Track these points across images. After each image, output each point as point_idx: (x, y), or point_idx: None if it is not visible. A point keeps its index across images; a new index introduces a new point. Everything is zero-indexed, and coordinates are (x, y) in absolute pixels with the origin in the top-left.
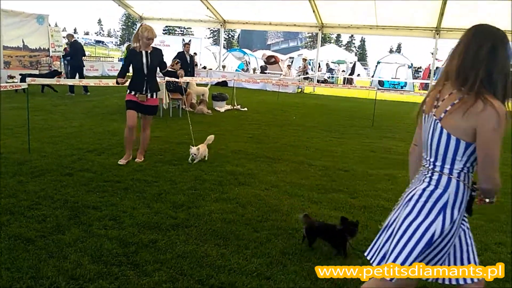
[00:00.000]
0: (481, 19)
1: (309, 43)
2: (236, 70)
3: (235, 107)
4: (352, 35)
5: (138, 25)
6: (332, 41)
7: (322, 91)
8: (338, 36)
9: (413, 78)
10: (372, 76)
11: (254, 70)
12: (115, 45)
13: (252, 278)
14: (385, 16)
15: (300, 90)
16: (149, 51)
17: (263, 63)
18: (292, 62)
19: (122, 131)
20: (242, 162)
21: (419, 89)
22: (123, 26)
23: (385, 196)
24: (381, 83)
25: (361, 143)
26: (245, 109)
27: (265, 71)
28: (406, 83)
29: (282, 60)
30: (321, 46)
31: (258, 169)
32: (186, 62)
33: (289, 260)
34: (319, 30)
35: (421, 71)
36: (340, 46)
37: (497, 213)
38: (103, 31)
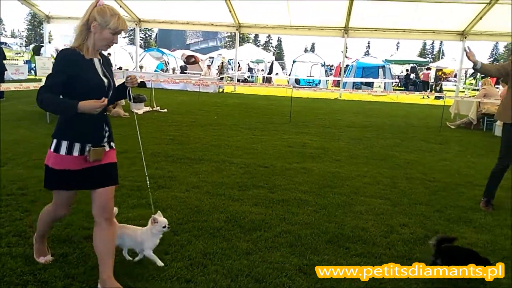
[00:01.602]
0: (385, 19)
1: (228, 43)
2: (155, 71)
3: (154, 109)
4: (269, 35)
5: (89, 5)
6: (251, 41)
7: (243, 90)
8: (256, 36)
9: (326, 76)
10: (289, 75)
11: (174, 70)
12: (20, 46)
13: (172, 283)
14: (298, 16)
15: (221, 89)
16: (100, 59)
17: (182, 63)
18: (212, 62)
19: (30, 138)
20: (162, 165)
21: (331, 86)
22: (28, 26)
23: (302, 188)
24: (297, 81)
25: (280, 139)
26: (165, 110)
27: (185, 71)
28: (320, 80)
29: (202, 60)
30: (239, 46)
31: (179, 171)
32: None
33: (210, 260)
34: (237, 30)
35: (333, 69)
36: (258, 46)
37: (401, 197)
38: (6, 31)
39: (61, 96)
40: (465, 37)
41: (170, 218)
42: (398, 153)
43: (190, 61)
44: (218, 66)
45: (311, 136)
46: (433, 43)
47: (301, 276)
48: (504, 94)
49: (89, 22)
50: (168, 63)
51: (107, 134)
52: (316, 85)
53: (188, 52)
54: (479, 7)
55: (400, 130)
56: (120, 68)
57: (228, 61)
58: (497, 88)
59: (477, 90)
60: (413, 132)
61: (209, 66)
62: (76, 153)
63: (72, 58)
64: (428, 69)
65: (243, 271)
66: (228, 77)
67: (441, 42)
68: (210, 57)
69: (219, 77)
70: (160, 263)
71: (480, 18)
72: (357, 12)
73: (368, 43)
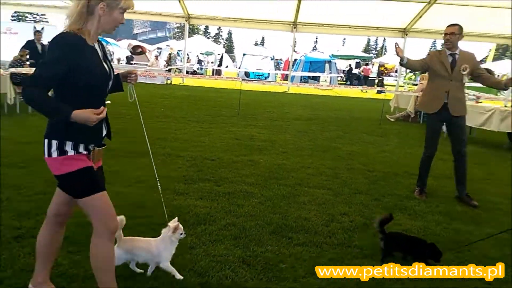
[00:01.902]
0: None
1: (177, 34)
2: None
3: None
4: (219, 27)
5: None
6: (201, 32)
7: (192, 82)
8: (206, 27)
9: (275, 70)
10: (239, 68)
11: (119, 60)
12: None
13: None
14: (248, 9)
15: (169, 81)
16: (100, 45)
17: (128, 53)
18: (160, 53)
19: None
20: (103, 160)
21: (280, 80)
22: None
23: (248, 181)
24: (247, 74)
25: (228, 132)
26: (108, 102)
27: (131, 62)
28: (269, 74)
29: (149, 51)
30: (189, 37)
31: (121, 165)
32: (37, 53)
33: None
34: (186, 20)
35: (282, 63)
36: (208, 38)
37: (342, 187)
38: None
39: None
40: (406, 34)
41: None
42: (341, 145)
43: (136, 51)
44: (167, 57)
45: (259, 128)
46: (376, 39)
47: (244, 268)
48: (420, 88)
49: (91, 4)
50: (113, 53)
51: (105, 133)
52: (266, 78)
53: (135, 42)
54: (419, 6)
55: (344, 123)
56: None
57: (177, 53)
58: None
59: (416, 84)
60: (356, 124)
61: (156, 57)
62: (84, 152)
63: (75, 43)
64: (367, 64)
65: (185, 265)
66: (177, 68)
67: (384, 38)
68: (158, 48)
69: (167, 69)
70: (178, 275)
71: (420, 17)
72: (305, 7)
73: (316, 38)
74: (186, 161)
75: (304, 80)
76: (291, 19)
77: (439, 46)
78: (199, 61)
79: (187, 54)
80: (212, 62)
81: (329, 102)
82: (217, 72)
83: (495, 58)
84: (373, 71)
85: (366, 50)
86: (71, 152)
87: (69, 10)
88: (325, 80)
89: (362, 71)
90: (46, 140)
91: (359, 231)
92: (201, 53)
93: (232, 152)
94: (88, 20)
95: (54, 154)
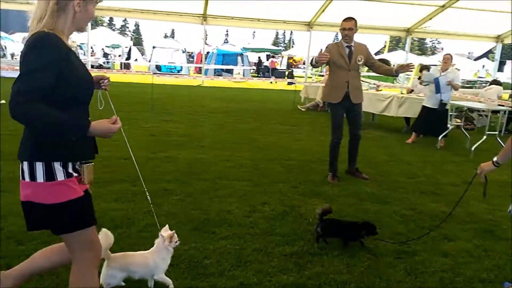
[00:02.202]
0: (241, 8)
1: None
2: None
3: None
4: (125, 19)
5: None
6: (105, 24)
7: None
8: (111, 19)
9: (187, 63)
10: (149, 61)
11: (13, 56)
12: None
13: None
14: (156, 1)
15: None
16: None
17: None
18: None
19: None
20: (2, 165)
21: (194, 73)
22: None
23: (167, 178)
24: (158, 67)
25: (142, 128)
26: (3, 101)
27: None
28: (182, 67)
29: None
30: (92, 29)
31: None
32: None
33: (64, 267)
34: None
35: (194, 56)
36: (114, 30)
37: (261, 178)
38: None
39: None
40: (311, 28)
41: (14, 225)
42: (258, 136)
43: None
44: None
45: (175, 123)
46: (284, 32)
47: (168, 269)
48: (326, 79)
49: (62, 0)
50: (6, 48)
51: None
52: (178, 71)
53: None
54: (322, 1)
55: (259, 114)
56: None
57: (80, 46)
58: None
59: (323, 75)
60: (270, 115)
61: None
62: (74, 173)
63: (62, 46)
64: (273, 57)
65: None
66: None
67: (291, 31)
68: None
69: None
70: (172, 284)
71: (323, 11)
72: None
73: (227, 31)
74: (98, 161)
75: (217, 73)
76: (200, 11)
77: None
78: (105, 55)
79: (91, 48)
80: (119, 56)
81: (243, 95)
82: (126, 66)
83: (390, 49)
84: (280, 64)
85: (275, 43)
86: (60, 176)
87: (36, 9)
88: (239, 73)
89: (270, 64)
90: (26, 163)
91: (280, 219)
92: (106, 46)
93: (148, 149)
94: (60, 19)
95: (40, 178)
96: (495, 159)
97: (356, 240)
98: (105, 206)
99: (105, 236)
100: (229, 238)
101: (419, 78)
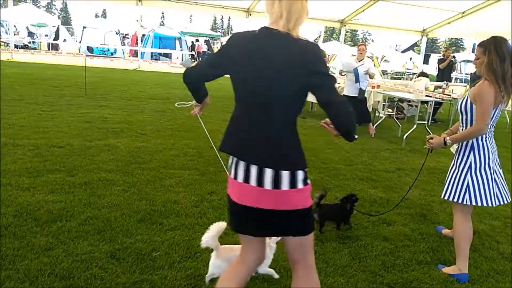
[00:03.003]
0: None
1: None
2: None
3: None
4: None
5: None
6: (28, 1)
7: (23, 58)
8: None
9: (122, 45)
10: (80, 42)
11: None
12: None
13: None
14: None
15: None
16: None
17: None
18: None
19: None
20: None
21: (129, 56)
22: None
23: (107, 168)
24: (90, 49)
25: (75, 114)
26: None
27: None
28: (116, 50)
29: None
30: (14, 5)
31: None
32: None
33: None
34: None
35: (128, 38)
36: (39, 7)
37: (207, 166)
38: None
39: None
40: (250, 14)
41: None
42: (202, 123)
43: None
44: None
45: (112, 109)
46: (222, 18)
47: (114, 263)
48: None
49: None
50: None
51: None
52: (112, 54)
53: None
54: None
55: None
56: None
57: (0, 23)
58: None
59: None
60: (214, 103)
61: None
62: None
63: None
64: (197, 40)
65: (44, 270)
66: (2, 42)
67: (229, 17)
68: None
69: None
70: (276, 274)
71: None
72: None
73: (162, 13)
74: (28, 150)
75: (155, 57)
76: None
77: None
78: (30, 34)
79: (14, 26)
80: (46, 35)
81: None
82: (54, 47)
83: (325, 40)
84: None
85: (213, 28)
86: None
87: (295, 10)
88: (177, 58)
89: (196, 48)
90: (288, 172)
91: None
92: (31, 25)
93: (84, 137)
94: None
95: (300, 185)
96: (447, 138)
97: (347, 220)
98: (40, 198)
99: (217, 225)
100: (178, 229)
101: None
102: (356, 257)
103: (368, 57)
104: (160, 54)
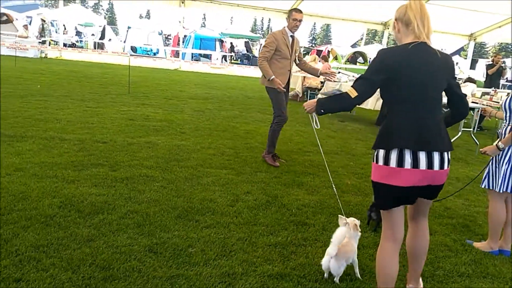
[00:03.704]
0: None
1: (49, 2)
2: None
3: None
4: None
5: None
6: (77, 1)
7: (71, 56)
8: None
9: (164, 46)
10: (124, 42)
11: None
12: None
13: None
14: None
15: (43, 55)
16: None
17: None
18: (30, 22)
19: None
20: None
21: (171, 56)
22: None
23: (147, 164)
24: (134, 49)
25: (119, 112)
26: None
27: None
28: (158, 50)
29: (17, 19)
30: (64, 6)
31: None
32: None
33: (44, 253)
34: None
35: (171, 39)
36: (86, 8)
37: (243, 166)
38: None
39: None
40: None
41: None
42: (238, 124)
43: (1, 19)
44: (39, 28)
45: (154, 108)
46: (262, 19)
47: (152, 256)
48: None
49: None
50: None
51: None
52: (155, 54)
53: None
54: None
55: (239, 102)
56: None
57: (51, 23)
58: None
59: None
60: (250, 103)
61: (26, 27)
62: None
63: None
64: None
65: (85, 260)
66: (52, 40)
67: (269, 19)
68: (27, 17)
69: (40, 40)
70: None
71: (302, 0)
72: None
73: (204, 15)
74: (74, 144)
75: (195, 57)
76: None
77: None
78: (78, 33)
79: (63, 25)
80: (93, 35)
81: (222, 81)
82: (100, 46)
83: (366, 42)
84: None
85: (253, 30)
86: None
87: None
88: (217, 59)
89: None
90: (446, 154)
91: (263, 208)
92: (79, 24)
93: (126, 133)
94: None
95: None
96: (499, 144)
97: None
98: (83, 190)
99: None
100: (213, 227)
101: None
102: None
103: None
104: (200, 55)
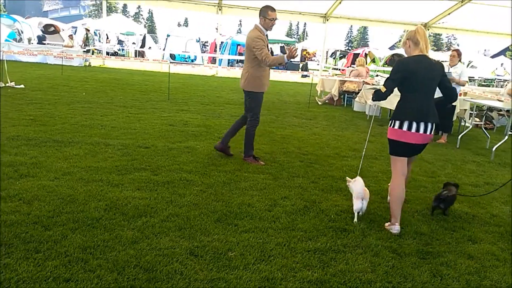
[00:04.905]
0: None
1: (93, 12)
2: (6, 40)
3: (8, 84)
4: (139, 6)
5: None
6: (119, 11)
7: (113, 64)
8: (125, 6)
9: (201, 52)
10: (164, 49)
11: (30, 40)
12: None
13: (47, 284)
14: None
15: (87, 63)
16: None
17: (40, 33)
18: (75, 32)
19: None
20: (22, 150)
21: (208, 63)
22: None
23: (187, 168)
24: (172, 56)
25: (159, 117)
26: (22, 86)
27: (44, 42)
28: (196, 57)
29: (63, 30)
30: (106, 16)
31: (45, 156)
32: None
33: (91, 255)
34: None
35: (208, 45)
36: (128, 17)
37: (280, 171)
38: None
39: None
40: (327, 20)
41: (39, 211)
42: (275, 128)
43: (49, 30)
44: (83, 37)
45: (192, 113)
46: (298, 24)
47: (193, 259)
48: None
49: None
50: (22, 32)
51: None
52: (192, 61)
53: (46, 20)
54: None
55: (275, 106)
56: None
57: (94, 32)
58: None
59: (337, 69)
60: (286, 108)
61: (71, 36)
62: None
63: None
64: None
65: (130, 262)
66: (95, 49)
67: (305, 23)
68: (72, 27)
69: (85, 49)
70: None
71: (340, 3)
72: None
73: (240, 21)
74: (117, 149)
75: (231, 63)
76: (215, 0)
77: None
78: (120, 42)
79: (106, 34)
80: (134, 43)
81: None
82: (140, 54)
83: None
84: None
85: (289, 34)
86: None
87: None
88: None
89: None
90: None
91: (301, 214)
92: (121, 33)
93: (167, 138)
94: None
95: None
96: None
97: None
98: (127, 194)
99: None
100: (252, 231)
101: None
102: (437, 274)
103: (473, 66)
104: (236, 60)
